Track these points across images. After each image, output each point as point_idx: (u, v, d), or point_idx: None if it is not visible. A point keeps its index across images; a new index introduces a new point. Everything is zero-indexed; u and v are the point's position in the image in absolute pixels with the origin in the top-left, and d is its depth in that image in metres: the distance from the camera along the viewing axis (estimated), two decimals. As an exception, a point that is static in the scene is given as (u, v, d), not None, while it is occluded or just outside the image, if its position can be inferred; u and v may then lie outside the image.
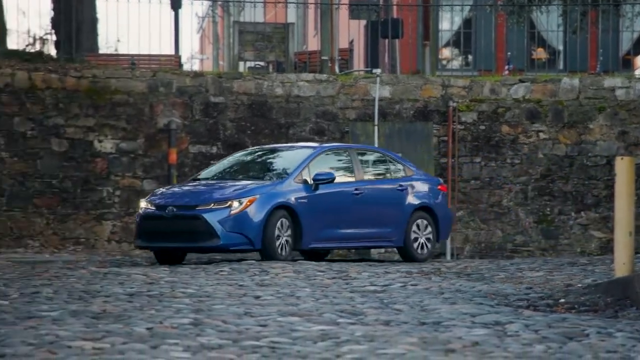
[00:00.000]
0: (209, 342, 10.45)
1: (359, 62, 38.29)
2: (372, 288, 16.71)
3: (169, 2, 32.17)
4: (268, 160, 23.80)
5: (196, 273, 18.75)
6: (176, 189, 22.88)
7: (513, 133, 27.87)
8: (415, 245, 23.36)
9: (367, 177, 23.36)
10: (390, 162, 24.08)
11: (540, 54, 37.03)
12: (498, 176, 27.78)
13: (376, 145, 26.98)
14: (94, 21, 33.97)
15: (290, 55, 32.73)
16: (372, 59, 33.79)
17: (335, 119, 27.67)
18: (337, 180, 22.46)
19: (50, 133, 27.01)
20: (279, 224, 21.45)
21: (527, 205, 27.78)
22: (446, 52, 38.22)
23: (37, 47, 39.09)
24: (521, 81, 28.51)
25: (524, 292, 15.98)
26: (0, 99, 26.99)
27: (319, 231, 22.20)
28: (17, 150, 26.89)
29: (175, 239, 21.50)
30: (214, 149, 27.43)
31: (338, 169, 22.88)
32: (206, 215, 21.18)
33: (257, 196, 21.46)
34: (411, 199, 23.46)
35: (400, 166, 24.02)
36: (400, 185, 23.43)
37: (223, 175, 23.11)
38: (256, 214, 21.32)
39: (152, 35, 31.32)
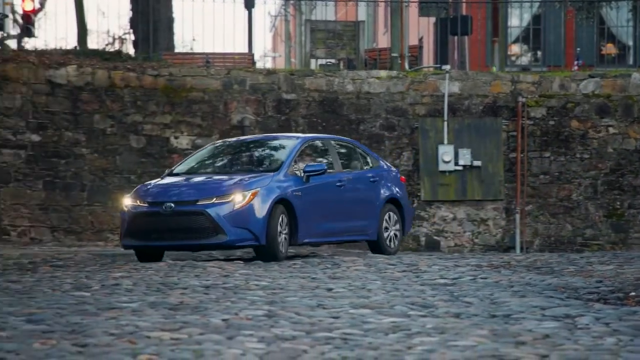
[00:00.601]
0: (283, 333, 10.48)
1: (428, 58, 38.12)
2: (442, 281, 16.68)
3: (243, 1, 32.27)
4: (252, 152, 22.25)
5: (269, 266, 18.82)
6: (165, 184, 20.86)
7: (582, 128, 27.70)
8: (387, 238, 22.46)
9: (344, 169, 22.33)
10: (360, 153, 23.13)
11: (610, 49, 36.78)
12: (567, 171, 27.62)
13: (445, 141, 26.91)
14: (170, 21, 34.12)
15: (360, 53, 32.75)
16: (442, 56, 33.65)
17: (405, 115, 27.62)
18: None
19: (128, 130, 27.20)
20: (279, 218, 20.12)
21: (596, 200, 27.60)
22: (515, 49, 38.03)
23: (116, 46, 39.47)
24: (590, 76, 28.30)
25: (594, 286, 15.88)
26: (81, 97, 27.19)
27: (311, 225, 20.96)
28: (97, 147, 27.08)
29: (175, 236, 19.83)
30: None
31: (320, 160, 21.84)
32: (210, 210, 19.64)
33: (259, 189, 19.98)
34: (382, 191, 22.62)
35: (368, 157, 23.16)
36: (372, 177, 22.62)
37: (203, 169, 21.63)
38: (260, 207, 19.85)
39: (226, 34, 31.47)
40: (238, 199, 19.66)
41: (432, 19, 35.85)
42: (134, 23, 34.06)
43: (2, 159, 27.03)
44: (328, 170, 21.34)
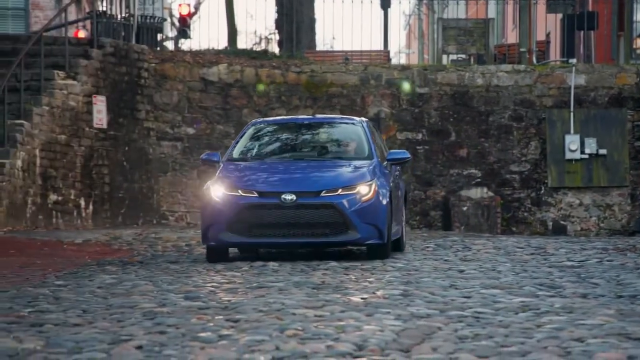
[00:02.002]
0: (418, 312, 10.49)
1: (555, 53, 37.80)
2: (570, 263, 16.57)
3: (379, 1, 32.29)
4: (316, 135, 18.33)
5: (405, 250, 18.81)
6: (264, 170, 17.01)
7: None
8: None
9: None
10: (371, 135, 18.27)
11: None
12: (688, 158, 27.21)
13: (572, 131, 26.65)
14: (312, 21, 34.25)
15: (490, 48, 32.56)
16: (568, 50, 33.32)
17: (532, 107, 27.44)
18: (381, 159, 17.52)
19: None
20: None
21: None
22: None
23: (263, 46, 39.76)
24: None
25: None
26: (231, 93, 27.48)
27: (396, 220, 17.49)
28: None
29: (296, 233, 16.12)
30: (419, 136, 27.47)
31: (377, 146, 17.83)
32: (339, 203, 15.98)
33: (376, 179, 16.38)
34: (401, 183, 19.33)
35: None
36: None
37: (269, 154, 17.66)
38: (383, 200, 16.30)
39: (363, 32, 31.47)
40: (363, 190, 16.11)
41: (559, 15, 35.48)
42: (279, 24, 34.25)
43: (161, 150, 27.45)
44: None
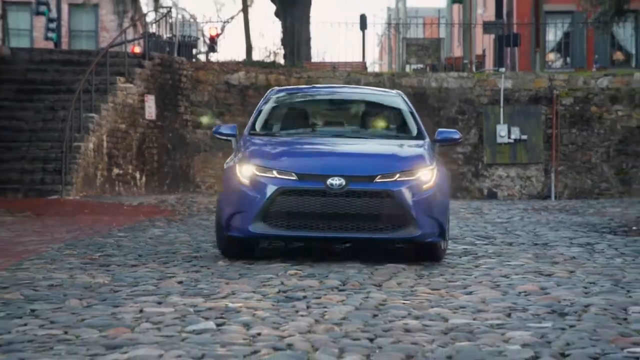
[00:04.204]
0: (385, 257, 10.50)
1: (489, 63, 37.78)
2: (499, 220, 16.63)
3: (359, 24, 32.30)
4: (351, 107, 11.95)
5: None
6: (298, 148, 10.33)
7: (599, 112, 27.33)
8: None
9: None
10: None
11: (619, 56, 36.10)
12: (588, 142, 27.27)
13: (502, 122, 26.72)
14: (308, 39, 34.20)
15: (441, 60, 32.64)
16: (499, 61, 33.34)
17: (472, 104, 27.44)
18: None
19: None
20: None
21: (609, 162, 27.23)
22: (551, 56, 37.38)
23: (272, 58, 39.51)
24: (605, 75, 27.95)
25: (606, 222, 15.73)
26: (248, 93, 27.51)
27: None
28: (258, 127, 27.37)
29: (344, 226, 9.54)
30: (391, 125, 27.51)
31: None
32: (398, 192, 9.51)
33: (435, 163, 9.96)
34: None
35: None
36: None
37: (298, 127, 11.09)
38: (445, 190, 10.05)
39: (347, 48, 31.32)
40: (425, 176, 9.71)
41: (492, 36, 35.49)
42: (283, 41, 34.24)
43: (196, 136, 27.55)
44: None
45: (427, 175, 9.73)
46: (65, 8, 39.47)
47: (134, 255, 10.54)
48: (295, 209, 9.52)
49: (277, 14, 34.11)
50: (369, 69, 36.26)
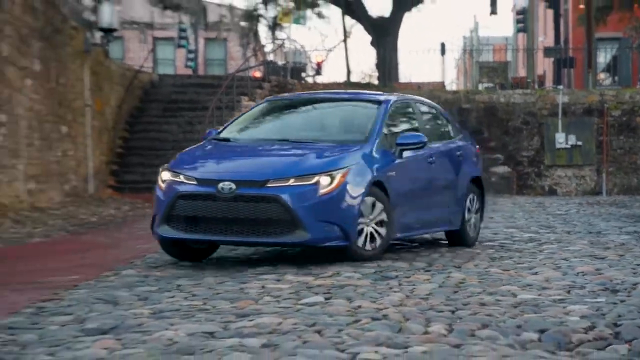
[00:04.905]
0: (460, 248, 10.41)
1: (549, 82, 37.12)
2: (559, 212, 16.35)
3: (439, 51, 32.07)
4: (324, 114, 9.63)
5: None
6: (217, 153, 8.73)
7: (643, 121, 26.75)
8: (470, 226, 10.12)
9: (432, 139, 9.62)
10: (445, 119, 10.47)
11: (660, 74, 35.26)
12: (634, 146, 26.58)
13: (560, 130, 26.26)
14: (397, 64, 34.07)
15: (508, 79, 32.20)
16: (557, 80, 32.76)
17: (535, 116, 26.93)
18: None
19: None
20: (364, 206, 8.19)
21: (652, 164, 26.61)
22: (602, 75, 36.57)
23: (367, 79, 39.50)
24: (648, 91, 27.30)
25: (650, 214, 15.35)
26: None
27: (403, 215, 8.80)
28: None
29: (233, 230, 7.94)
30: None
31: (409, 128, 9.49)
32: (286, 197, 7.82)
33: (353, 167, 8.17)
34: (467, 169, 10.16)
35: (449, 125, 10.46)
36: (459, 151, 10.16)
37: (261, 134, 9.19)
38: (353, 194, 8.08)
39: (429, 70, 31.09)
40: (324, 181, 7.95)
41: (552, 59, 34.89)
42: (377, 66, 34.19)
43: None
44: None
45: (327, 180, 7.92)
46: (201, 41, 40.14)
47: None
48: (192, 213, 8.03)
49: (372, 44, 34.07)
50: (447, 88, 36.02)
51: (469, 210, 10.08)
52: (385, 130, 8.85)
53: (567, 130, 26.63)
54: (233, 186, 7.86)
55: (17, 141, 15.73)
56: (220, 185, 7.87)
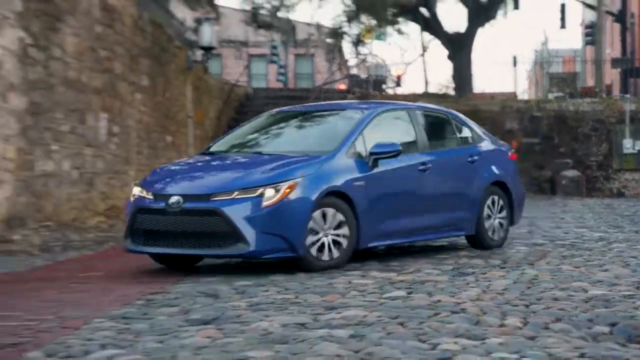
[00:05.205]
0: (537, 242, 10.23)
1: (616, 91, 36.19)
2: (627, 213, 15.92)
3: (512, 63, 31.65)
4: (308, 126, 9.00)
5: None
6: (183, 167, 8.31)
7: None
8: (489, 229, 9.42)
9: (432, 146, 9.04)
10: (456, 125, 9.67)
11: None
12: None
13: (627, 136, 25.57)
14: (471, 76, 33.71)
15: (577, 89, 31.53)
16: (624, 89, 31.95)
17: (603, 123, 26.28)
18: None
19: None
20: (321, 216, 7.59)
21: None
22: (668, 83, 35.54)
23: (443, 90, 39.20)
24: None
25: None
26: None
27: (379, 224, 8.14)
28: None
29: (182, 243, 7.45)
30: (536, 140, 26.61)
31: (397, 137, 8.63)
32: (228, 210, 7.22)
33: (300, 179, 7.47)
34: (484, 173, 9.44)
35: (466, 130, 9.76)
36: (471, 156, 9.45)
37: (244, 147, 8.68)
38: (299, 205, 7.40)
39: (501, 81, 30.60)
40: (269, 193, 7.32)
41: (619, 69, 34.03)
42: (453, 77, 33.88)
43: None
44: (409, 149, 8.73)
45: (271, 192, 7.28)
46: (291, 57, 40.47)
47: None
48: (147, 227, 7.62)
49: (448, 57, 33.81)
50: (519, 97, 35.51)
51: (488, 214, 9.31)
52: (360, 141, 8.15)
53: (634, 136, 25.95)
54: (181, 200, 7.42)
55: (128, 149, 16.11)
56: (170, 199, 7.48)
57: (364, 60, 32.77)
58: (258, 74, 42.60)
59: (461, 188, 9.11)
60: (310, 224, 7.44)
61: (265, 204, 7.25)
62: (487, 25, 32.74)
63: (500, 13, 31.81)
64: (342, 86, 31.39)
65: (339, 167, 7.84)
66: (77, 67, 13.43)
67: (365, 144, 8.16)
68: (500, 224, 9.55)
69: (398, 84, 36.79)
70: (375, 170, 8.12)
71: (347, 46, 38.66)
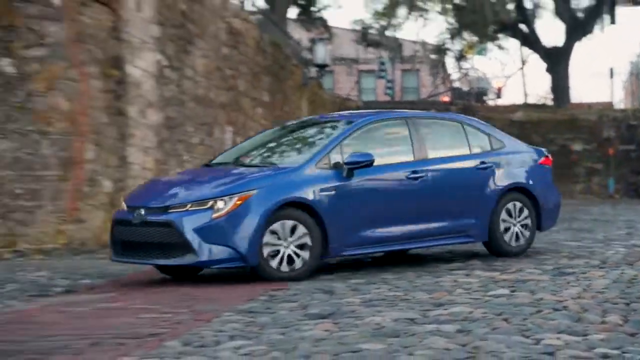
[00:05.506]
0: (636, 243, 9.80)
1: None
2: None
3: (608, 75, 30.58)
4: (297, 139, 8.19)
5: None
6: (165, 180, 8.06)
7: None
8: (507, 236, 8.44)
9: (433, 154, 8.15)
10: (471, 133, 8.72)
11: None
12: None
13: None
14: (568, 88, 32.74)
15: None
16: None
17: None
18: (387, 161, 7.83)
19: (550, 144, 26.23)
20: (280, 228, 7.03)
21: None
22: None
23: (542, 101, 38.24)
24: None
25: None
26: (525, 126, 26.50)
27: (352, 233, 7.45)
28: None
29: (146, 253, 7.14)
30: (632, 147, 25.67)
31: (389, 146, 8.06)
32: (178, 221, 6.90)
33: (255, 191, 6.99)
34: (499, 179, 8.47)
35: (484, 138, 8.81)
36: (483, 163, 8.47)
37: (236, 159, 8.10)
38: (250, 216, 6.92)
39: (598, 92, 29.63)
40: (219, 205, 6.93)
41: None
42: (552, 89, 33.01)
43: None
44: (400, 159, 7.96)
45: (222, 204, 6.89)
46: (398, 73, 40.36)
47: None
48: (119, 238, 7.37)
49: (547, 70, 32.99)
50: (616, 107, 34.29)
51: (504, 220, 8.37)
52: (337, 151, 7.52)
53: None
54: (143, 212, 7.15)
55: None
56: (135, 212, 7.22)
57: (466, 74, 32.37)
58: (367, 89, 42.71)
59: (467, 194, 8.18)
60: (267, 235, 6.95)
61: (214, 215, 6.89)
62: (584, 39, 31.74)
63: (597, 27, 30.75)
64: (446, 98, 31.07)
65: (304, 178, 7.27)
66: (206, 85, 13.82)
67: (342, 155, 7.53)
68: (521, 231, 8.51)
69: (499, 95, 36.13)
70: (351, 180, 7.44)
71: (450, 61, 38.26)
